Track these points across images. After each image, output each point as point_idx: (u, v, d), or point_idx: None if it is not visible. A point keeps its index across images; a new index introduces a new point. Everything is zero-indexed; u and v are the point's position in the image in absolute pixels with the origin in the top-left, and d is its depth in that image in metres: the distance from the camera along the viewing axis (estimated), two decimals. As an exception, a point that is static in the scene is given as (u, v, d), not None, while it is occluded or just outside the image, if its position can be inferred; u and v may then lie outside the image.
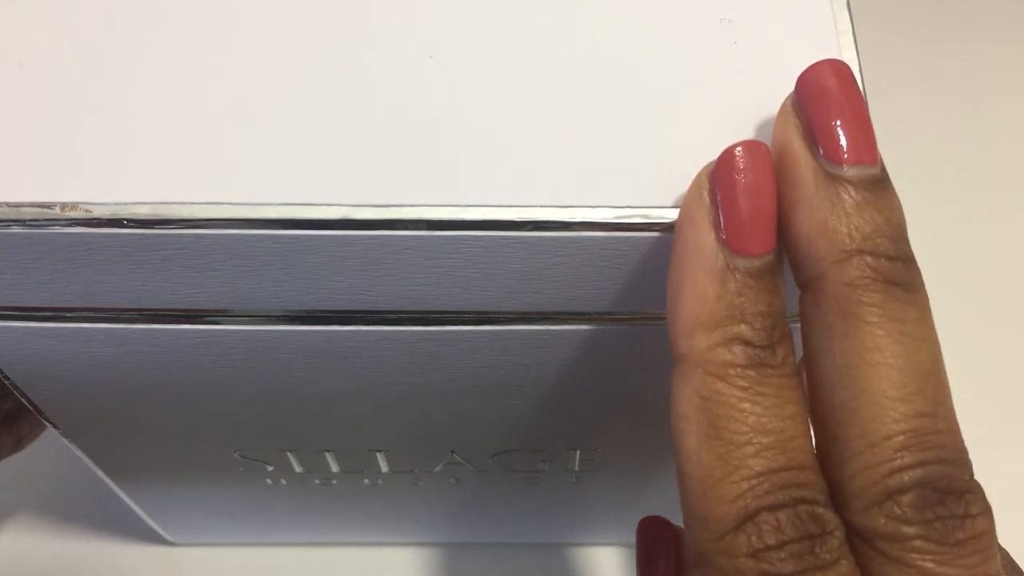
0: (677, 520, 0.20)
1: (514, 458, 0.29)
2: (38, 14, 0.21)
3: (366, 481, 0.31)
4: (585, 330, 0.22)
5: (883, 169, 0.17)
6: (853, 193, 0.17)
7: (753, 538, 0.16)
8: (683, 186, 0.19)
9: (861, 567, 0.17)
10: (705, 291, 0.17)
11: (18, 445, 0.30)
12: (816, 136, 0.17)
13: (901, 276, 0.17)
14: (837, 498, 0.17)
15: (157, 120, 0.19)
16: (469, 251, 0.19)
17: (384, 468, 0.29)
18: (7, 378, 0.23)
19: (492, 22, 0.21)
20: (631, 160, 0.19)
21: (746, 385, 0.17)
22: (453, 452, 0.28)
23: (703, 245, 0.17)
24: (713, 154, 0.18)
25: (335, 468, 0.29)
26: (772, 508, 0.16)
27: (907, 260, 0.17)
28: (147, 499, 0.33)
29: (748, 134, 0.19)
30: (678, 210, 0.18)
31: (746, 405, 0.17)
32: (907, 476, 0.16)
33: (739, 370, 0.17)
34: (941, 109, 0.51)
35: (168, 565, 0.38)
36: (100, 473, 0.30)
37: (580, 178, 0.19)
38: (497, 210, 0.19)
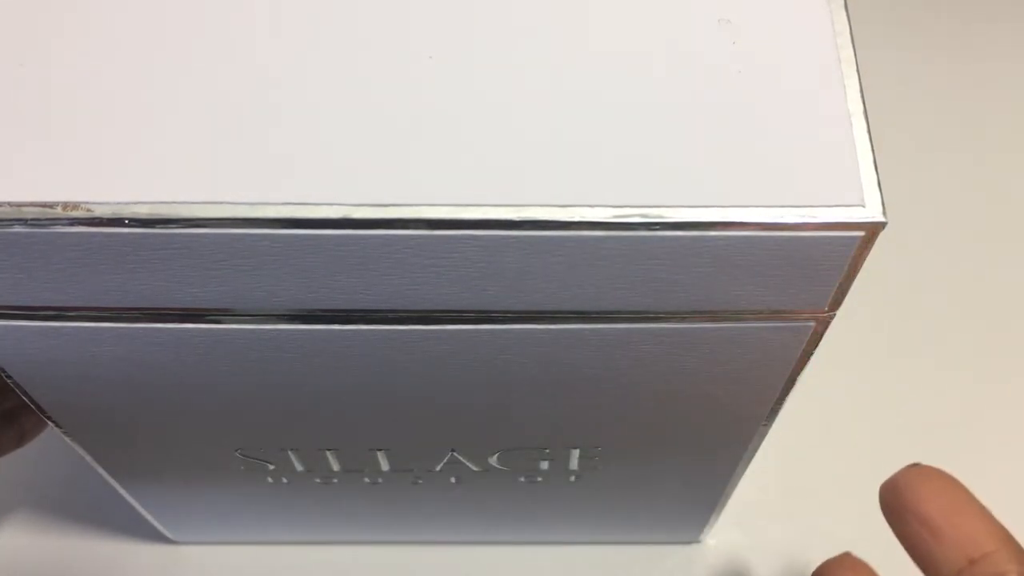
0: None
1: (514, 457, 0.29)
2: (38, 14, 0.21)
3: (366, 480, 0.31)
4: (584, 330, 0.22)
5: None
6: None
7: None
8: (682, 185, 0.19)
9: None
10: None
11: (21, 441, 0.30)
12: None
13: None
14: None
15: (158, 120, 0.19)
16: (468, 251, 0.19)
17: (384, 467, 0.30)
18: (9, 377, 0.23)
19: (491, 22, 0.21)
20: (630, 159, 0.19)
21: None
22: (453, 451, 0.28)
23: None
24: (711, 152, 0.18)
25: (336, 467, 0.30)
26: None
27: None
28: (149, 498, 0.33)
29: (746, 133, 0.19)
30: (677, 209, 0.18)
31: None
32: None
33: None
34: (939, 110, 0.51)
35: (169, 563, 0.38)
36: (102, 471, 0.30)
37: (579, 177, 0.19)
38: (496, 209, 0.19)
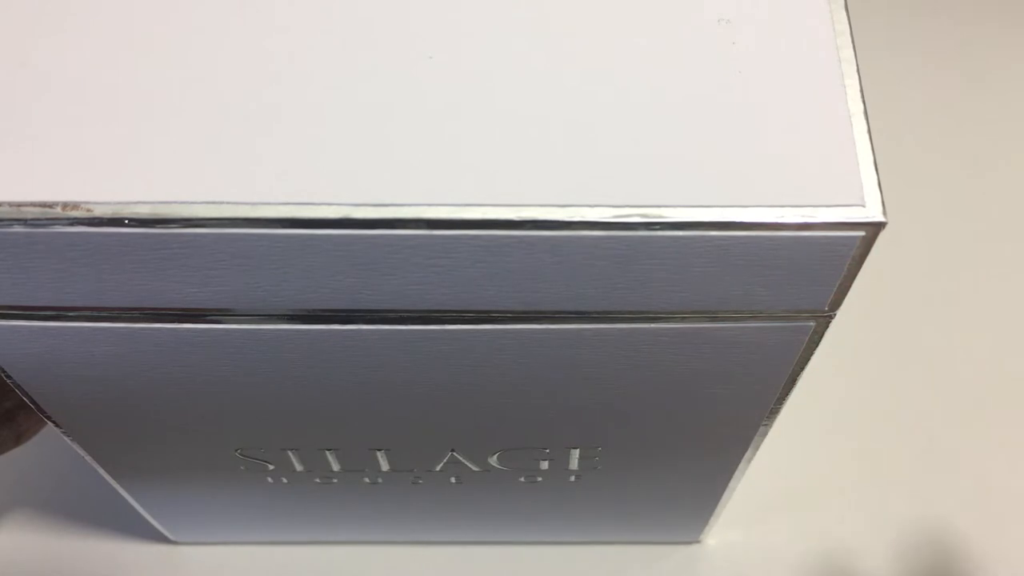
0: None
1: (514, 457, 0.29)
2: (39, 14, 0.21)
3: (366, 480, 0.31)
4: (585, 330, 0.22)
5: None
6: None
7: None
8: (682, 185, 0.19)
9: None
10: None
11: (18, 440, 0.30)
12: None
13: None
14: None
15: (158, 120, 0.19)
16: (468, 251, 0.19)
17: (384, 467, 0.30)
18: (9, 377, 0.24)
19: (491, 22, 0.21)
20: (630, 159, 0.19)
21: None
22: (453, 451, 0.28)
23: None
24: (711, 152, 0.18)
25: (336, 467, 0.30)
26: None
27: None
28: (148, 498, 0.33)
29: (746, 133, 0.19)
30: (677, 209, 0.18)
31: None
32: None
33: None
34: (939, 109, 0.51)
35: (169, 563, 0.38)
36: (102, 472, 0.30)
37: (579, 177, 0.19)
38: (496, 209, 0.19)
